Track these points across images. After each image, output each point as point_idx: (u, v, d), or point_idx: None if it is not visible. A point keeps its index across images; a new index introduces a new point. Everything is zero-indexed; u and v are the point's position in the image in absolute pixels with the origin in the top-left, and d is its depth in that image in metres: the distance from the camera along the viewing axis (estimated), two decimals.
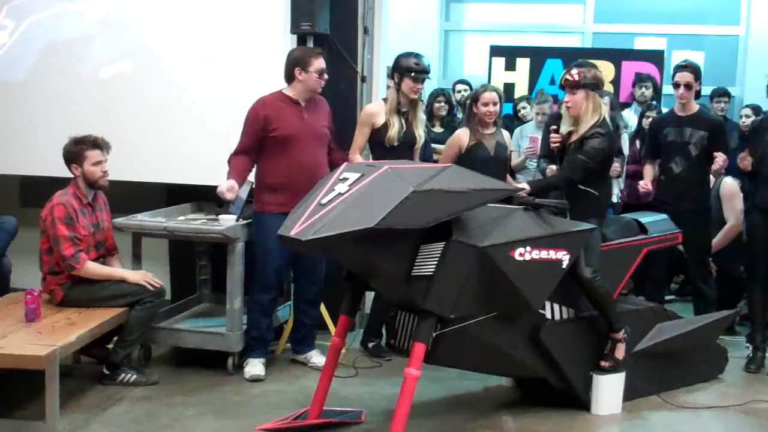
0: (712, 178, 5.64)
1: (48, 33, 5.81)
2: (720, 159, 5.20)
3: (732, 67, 9.17)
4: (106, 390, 4.51)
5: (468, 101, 5.34)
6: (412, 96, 5.02)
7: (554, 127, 4.56)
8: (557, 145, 4.52)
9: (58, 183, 4.75)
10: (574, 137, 4.45)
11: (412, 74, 4.96)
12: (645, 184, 5.43)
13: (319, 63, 4.77)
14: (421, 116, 5.20)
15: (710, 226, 5.64)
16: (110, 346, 4.71)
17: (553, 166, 4.69)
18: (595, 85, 4.43)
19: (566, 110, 4.48)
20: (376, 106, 5.17)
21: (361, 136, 5.08)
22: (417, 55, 5.03)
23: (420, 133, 5.11)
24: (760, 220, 5.14)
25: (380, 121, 5.01)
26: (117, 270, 4.74)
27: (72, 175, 4.67)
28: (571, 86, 4.41)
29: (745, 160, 5.10)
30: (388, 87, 5.33)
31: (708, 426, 4.37)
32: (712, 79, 7.86)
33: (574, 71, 4.41)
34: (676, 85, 5.37)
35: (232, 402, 4.45)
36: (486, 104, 5.09)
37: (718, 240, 5.92)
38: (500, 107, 5.21)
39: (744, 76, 8.95)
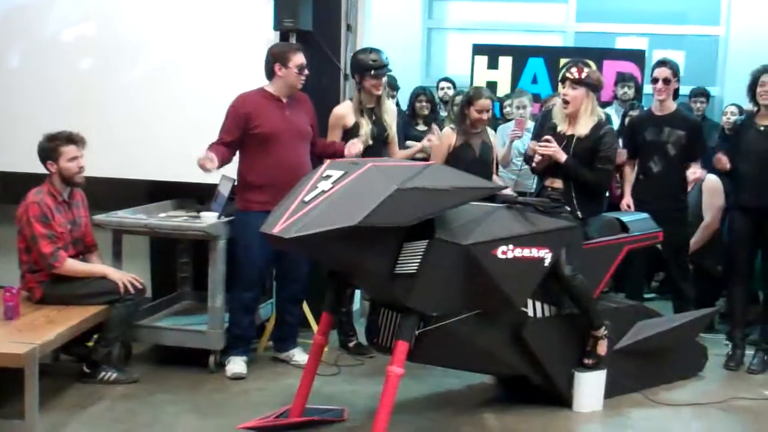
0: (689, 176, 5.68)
1: (28, 27, 5.75)
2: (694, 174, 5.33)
3: (712, 67, 9.23)
4: (86, 388, 4.48)
5: (461, 102, 5.31)
6: (375, 92, 5.01)
7: (547, 137, 4.47)
8: (548, 152, 4.43)
9: (38, 179, 4.70)
10: (570, 133, 4.49)
11: (372, 72, 4.95)
12: (628, 204, 5.43)
13: (299, 59, 4.74)
14: (388, 107, 5.18)
15: (688, 225, 5.67)
16: (90, 343, 4.67)
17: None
18: (594, 87, 4.49)
19: (562, 105, 4.49)
20: (344, 107, 5.15)
21: (333, 139, 5.07)
22: (372, 50, 5.01)
23: (389, 123, 5.09)
24: (740, 219, 5.18)
25: (350, 122, 5.01)
26: (98, 266, 4.72)
27: (48, 172, 4.63)
28: (573, 82, 4.43)
29: (721, 162, 5.15)
30: None
31: (688, 423, 4.40)
32: (692, 79, 7.92)
33: (577, 68, 4.45)
34: (654, 80, 5.38)
35: (213, 400, 4.43)
36: (480, 111, 5.09)
37: (695, 239, 5.96)
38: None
39: (724, 76, 9.00)
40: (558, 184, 4.52)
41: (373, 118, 5.05)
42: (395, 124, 5.22)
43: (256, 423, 4.00)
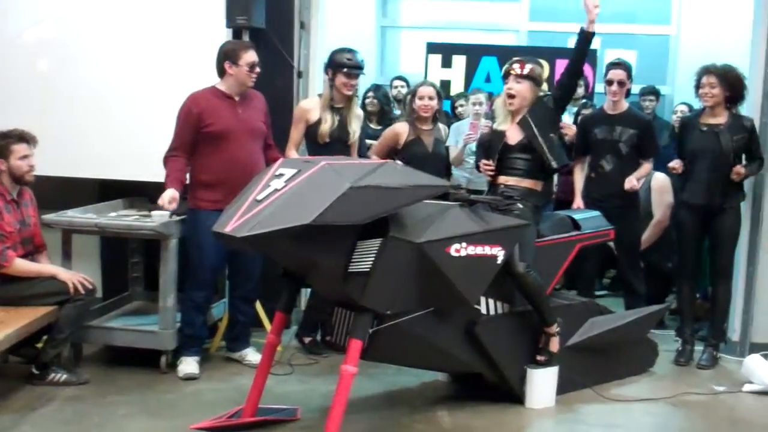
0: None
1: None
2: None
3: (663, 66, 9.36)
4: (35, 390, 4.42)
5: (407, 97, 5.39)
6: (345, 92, 5.02)
7: (482, 164, 4.65)
8: (491, 172, 4.60)
9: None
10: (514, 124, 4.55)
11: (345, 70, 4.97)
12: (580, 204, 5.47)
13: (250, 56, 4.72)
14: (357, 112, 5.22)
15: (639, 223, 5.75)
16: (39, 345, 4.60)
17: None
18: (538, 82, 4.56)
19: (507, 100, 4.53)
20: (310, 102, 5.17)
21: (296, 133, 5.08)
22: (350, 51, 5.04)
23: (354, 129, 5.10)
24: (688, 217, 5.25)
25: (314, 117, 5.01)
26: (47, 267, 4.65)
27: None
28: (517, 76, 4.51)
29: (677, 167, 5.24)
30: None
31: (639, 418, 4.45)
32: (643, 78, 8.02)
33: (519, 63, 4.53)
34: (609, 82, 5.45)
35: (165, 401, 4.39)
36: (422, 98, 5.17)
37: (646, 236, 6.04)
38: (439, 103, 5.27)
39: (675, 75, 9.14)
40: (512, 181, 4.55)
41: (338, 118, 5.04)
42: (359, 129, 5.21)
43: (209, 423, 3.97)
